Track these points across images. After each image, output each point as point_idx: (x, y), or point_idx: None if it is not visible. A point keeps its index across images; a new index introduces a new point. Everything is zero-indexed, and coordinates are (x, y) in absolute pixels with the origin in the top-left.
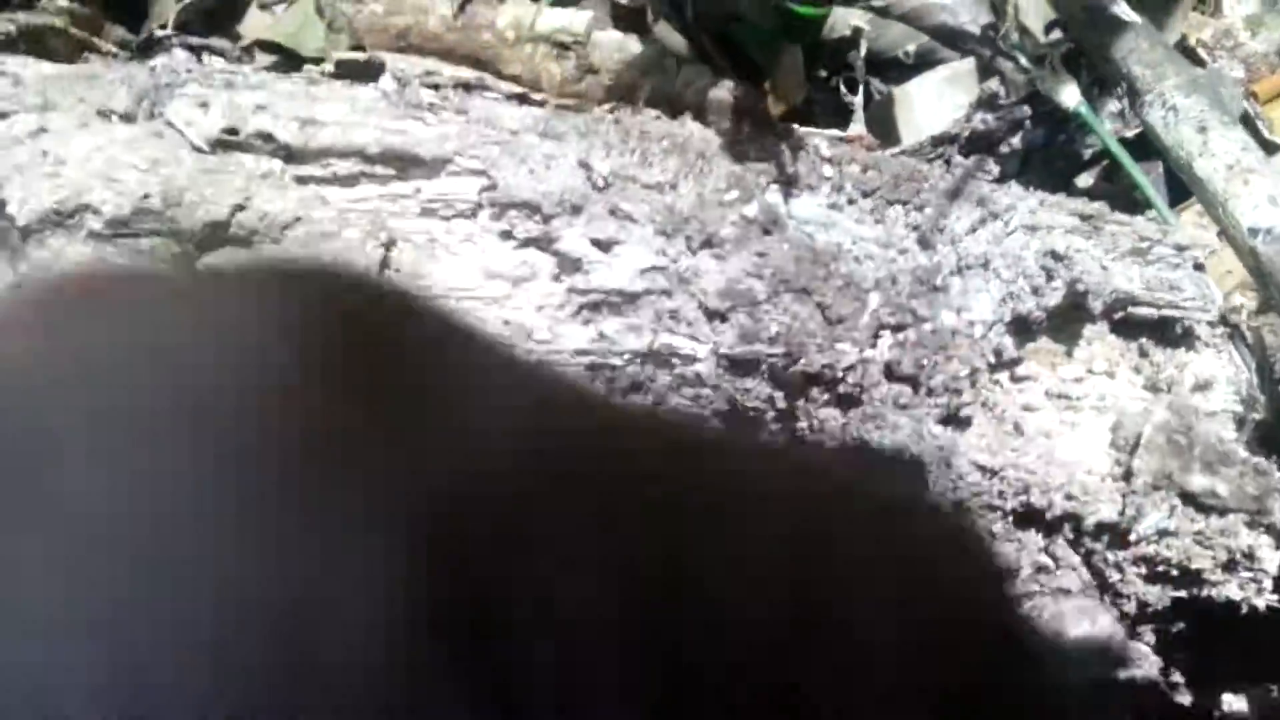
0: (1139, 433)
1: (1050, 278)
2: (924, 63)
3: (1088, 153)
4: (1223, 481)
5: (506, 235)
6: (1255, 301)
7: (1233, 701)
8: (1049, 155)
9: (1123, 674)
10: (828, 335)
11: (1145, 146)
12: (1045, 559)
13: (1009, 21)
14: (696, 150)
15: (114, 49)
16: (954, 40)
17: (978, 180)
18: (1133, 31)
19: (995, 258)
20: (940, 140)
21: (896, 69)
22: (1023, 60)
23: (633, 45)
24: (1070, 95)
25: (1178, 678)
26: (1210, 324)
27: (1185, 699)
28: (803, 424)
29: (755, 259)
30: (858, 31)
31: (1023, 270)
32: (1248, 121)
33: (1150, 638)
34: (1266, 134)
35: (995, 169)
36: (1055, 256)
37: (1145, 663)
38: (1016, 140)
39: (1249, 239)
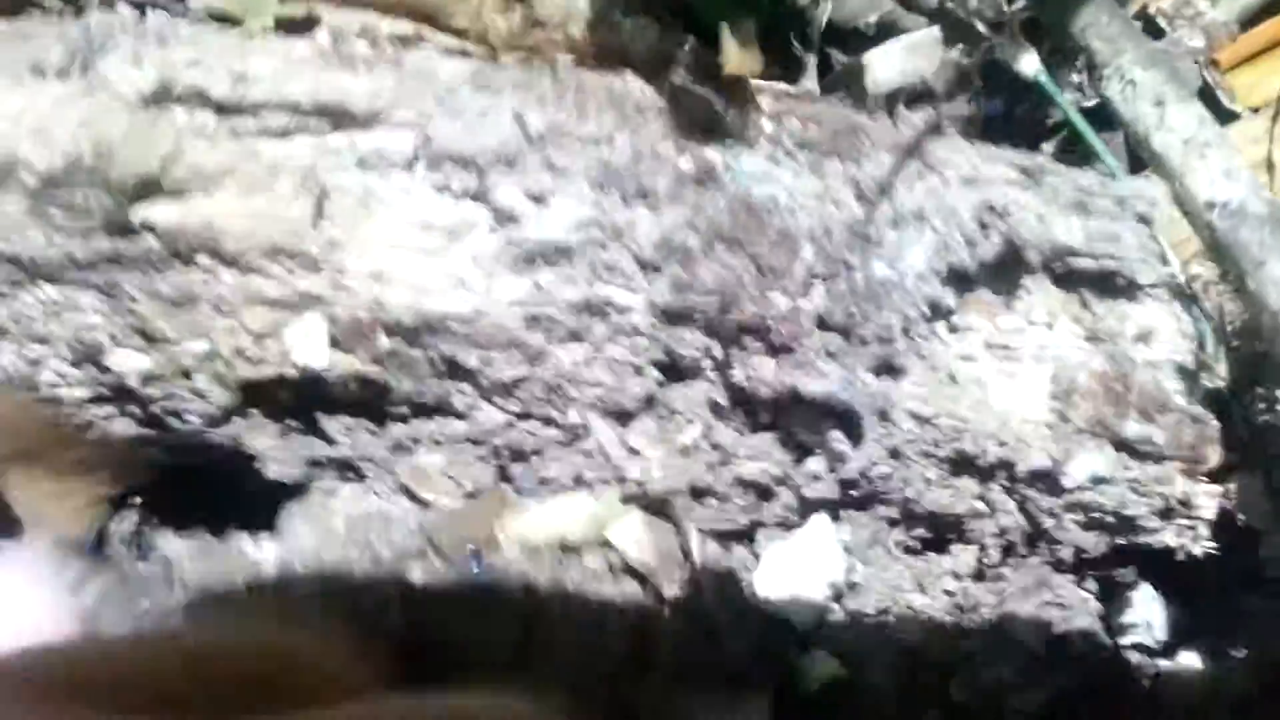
0: (1078, 375)
1: (985, 230)
2: (885, 34)
3: (1049, 122)
4: (1159, 429)
5: (442, 188)
6: (1210, 270)
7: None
8: (1009, 124)
9: (1061, 624)
10: (761, 286)
11: (1105, 117)
12: (981, 505)
13: None
14: (634, 104)
15: (58, 3)
16: (912, 7)
17: (920, 134)
18: (1092, 4)
19: (931, 211)
20: (890, 98)
21: (858, 40)
22: (982, 27)
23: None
24: (1029, 63)
25: (1126, 638)
26: (1151, 275)
27: (1132, 657)
28: (738, 373)
29: (690, 212)
30: (818, 1)
31: (958, 223)
32: (1208, 91)
33: (1092, 585)
34: (1227, 103)
35: (939, 122)
36: (992, 209)
37: (1084, 611)
38: (968, 103)
39: (1205, 213)
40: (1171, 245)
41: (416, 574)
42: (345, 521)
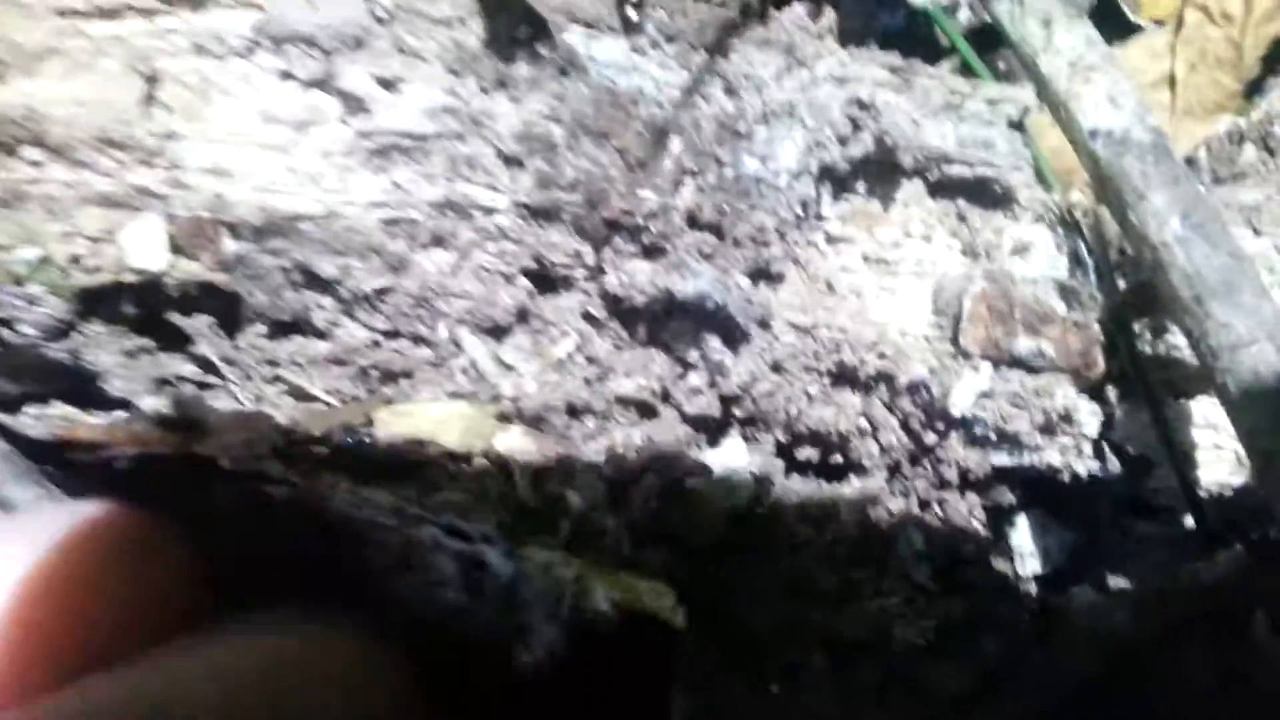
0: (959, 299)
1: (857, 127)
2: None
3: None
4: (1047, 340)
5: (286, 75)
6: (1091, 197)
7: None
8: (907, 40)
9: (949, 552)
10: (629, 181)
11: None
12: (863, 422)
13: None
14: None
15: None
16: None
17: (788, 28)
18: None
19: (801, 106)
20: None
21: None
22: None
23: None
24: None
25: (1016, 567)
26: (1026, 189)
27: (1022, 587)
28: (611, 278)
29: (552, 101)
30: None
31: (828, 119)
32: (1109, 3)
33: (980, 512)
34: (1131, 15)
35: (804, 15)
36: (862, 106)
37: (973, 538)
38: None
39: (1089, 141)
40: (1052, 171)
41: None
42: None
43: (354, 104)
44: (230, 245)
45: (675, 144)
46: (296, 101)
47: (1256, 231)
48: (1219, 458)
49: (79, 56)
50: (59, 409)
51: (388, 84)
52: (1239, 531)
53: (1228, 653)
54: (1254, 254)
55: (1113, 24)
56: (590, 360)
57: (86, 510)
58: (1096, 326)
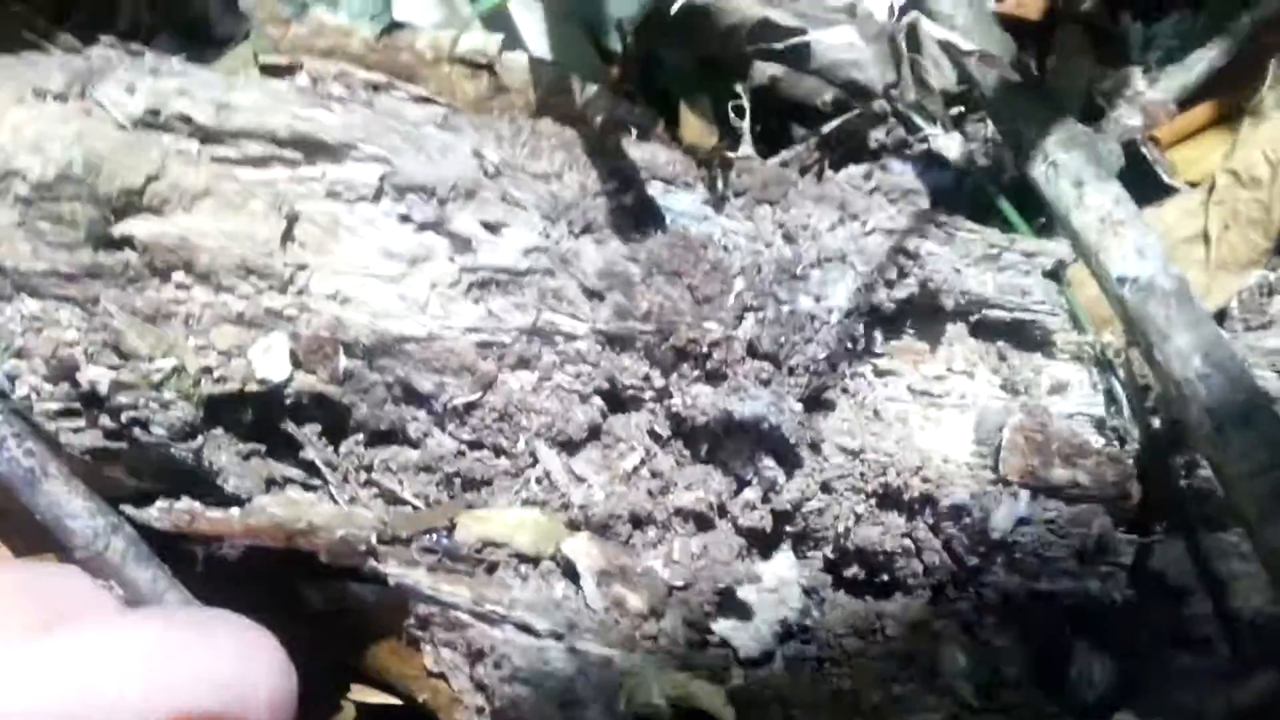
0: (999, 430)
1: (903, 273)
2: (841, 112)
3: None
4: (1083, 472)
5: (405, 219)
6: (1121, 338)
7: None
8: (956, 198)
9: (991, 673)
10: (696, 314)
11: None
12: (908, 542)
13: (904, 81)
14: (585, 149)
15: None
16: (859, 94)
17: (843, 186)
18: (1022, 91)
19: (852, 253)
20: (819, 142)
21: (816, 115)
22: (916, 118)
23: (543, 68)
24: (957, 152)
25: (1067, 692)
26: (1062, 333)
27: (1073, 713)
28: (676, 400)
29: (631, 244)
30: (775, 80)
31: (877, 265)
32: (1145, 167)
33: (1022, 634)
34: (1166, 178)
35: (858, 175)
36: (908, 254)
37: (1014, 659)
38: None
39: (1117, 287)
40: (1090, 317)
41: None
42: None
43: (461, 244)
44: (344, 362)
45: (739, 283)
46: (412, 240)
47: None
48: (1253, 586)
49: (231, 197)
50: (184, 504)
51: (491, 227)
52: (1274, 657)
53: None
54: (1277, 393)
55: (1149, 185)
56: (654, 474)
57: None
58: (1131, 461)
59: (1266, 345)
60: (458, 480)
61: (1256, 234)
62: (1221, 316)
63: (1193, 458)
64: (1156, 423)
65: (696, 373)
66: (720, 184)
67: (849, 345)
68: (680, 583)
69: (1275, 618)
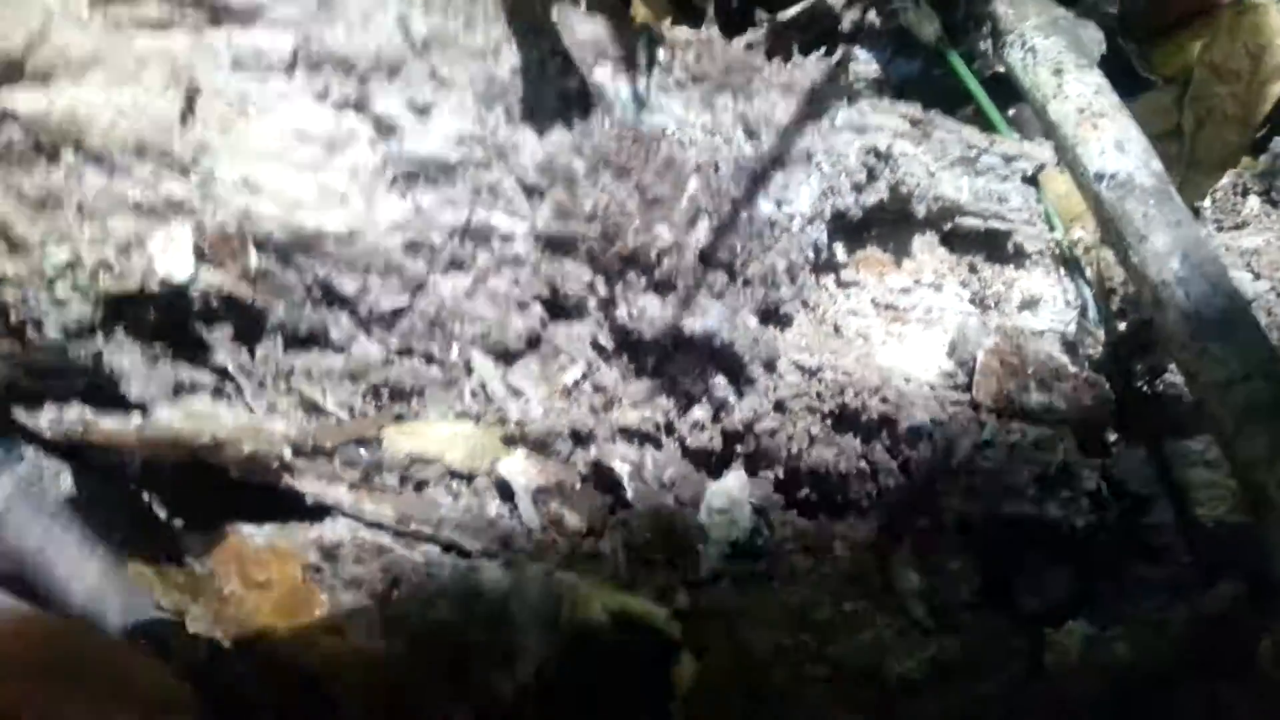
0: (974, 349)
1: (872, 176)
2: None
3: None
4: (1058, 396)
5: (321, 96)
6: (1091, 235)
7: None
8: (923, 87)
9: (944, 591)
10: (645, 217)
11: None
12: (863, 465)
13: None
14: (526, 21)
15: None
16: None
17: (811, 74)
18: None
19: (819, 152)
20: (781, 26)
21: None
22: None
23: None
24: (930, 31)
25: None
26: (1037, 242)
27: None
28: (622, 311)
29: (576, 135)
30: None
31: (845, 167)
32: (1120, 60)
33: (977, 552)
34: (1141, 72)
35: (827, 63)
36: (879, 155)
37: (967, 578)
38: (881, 64)
39: (1094, 184)
40: (1059, 212)
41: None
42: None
43: (384, 128)
44: (255, 258)
45: (693, 183)
46: (329, 122)
47: (1256, 275)
48: (1216, 495)
49: (124, 67)
50: (76, 410)
51: (419, 110)
52: (1237, 567)
53: (1229, 684)
54: (1252, 296)
55: (1124, 80)
56: (597, 389)
57: None
58: (1108, 385)
59: (1242, 245)
60: (385, 390)
61: (1233, 131)
62: (1195, 215)
63: (1158, 362)
64: (1122, 326)
65: (644, 281)
66: (676, 67)
67: (811, 255)
68: (622, 502)
69: (1240, 526)
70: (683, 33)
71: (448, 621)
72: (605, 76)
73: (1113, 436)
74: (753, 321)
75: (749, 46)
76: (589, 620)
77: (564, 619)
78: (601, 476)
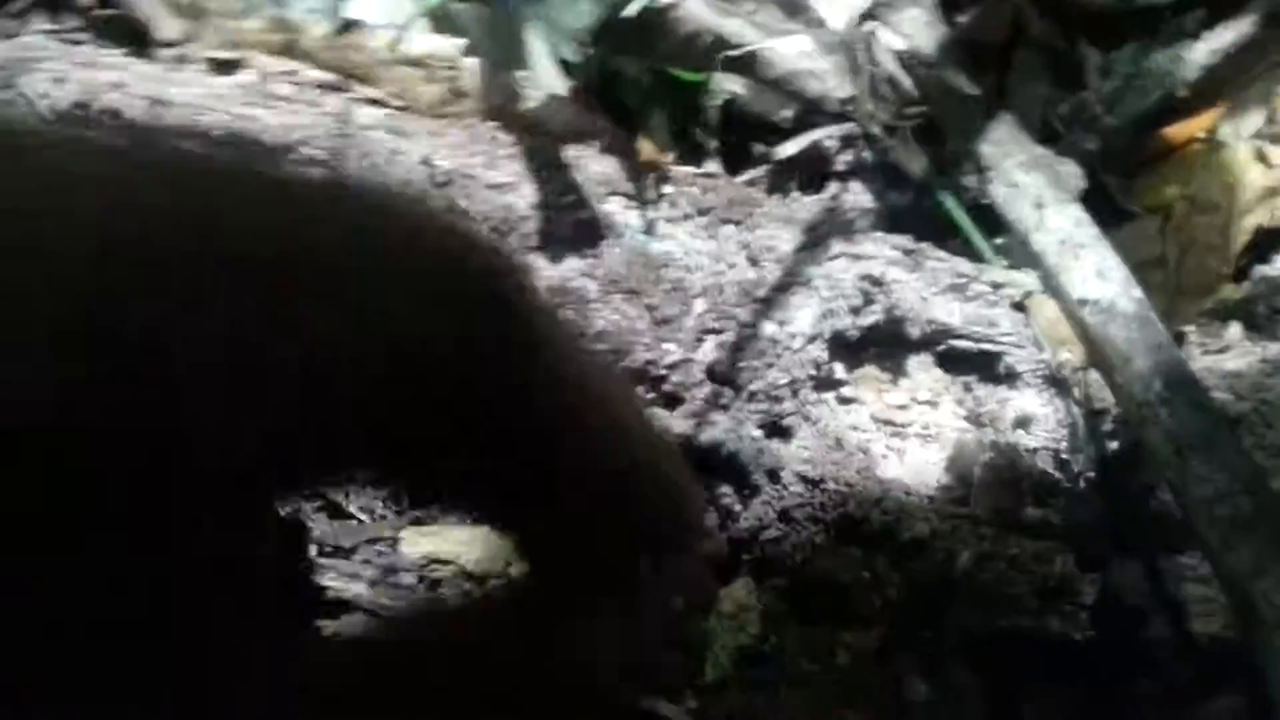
0: (974, 465)
1: (869, 300)
2: (801, 127)
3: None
4: (1054, 512)
5: None
6: (1080, 357)
7: None
8: (914, 217)
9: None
10: (654, 335)
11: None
12: (866, 575)
13: (861, 95)
14: (541, 160)
15: None
16: (818, 107)
17: (809, 208)
18: (981, 110)
19: (817, 277)
20: (780, 165)
21: (776, 133)
22: (875, 130)
23: (501, 75)
24: (918, 166)
25: None
26: (1028, 364)
27: None
28: None
29: (589, 260)
30: (733, 95)
31: (842, 291)
32: (1102, 192)
33: (980, 670)
34: (1121, 203)
35: (825, 199)
36: (874, 281)
37: (975, 695)
38: (872, 194)
39: (1078, 309)
40: (1047, 336)
41: None
42: None
43: None
44: None
45: (699, 304)
46: None
47: (1239, 397)
48: (1210, 610)
49: None
50: None
51: None
52: (1235, 682)
53: None
54: (1235, 417)
55: (1106, 211)
56: None
57: None
58: (1101, 501)
59: (1224, 368)
60: (407, 495)
61: (1214, 260)
62: (1180, 340)
63: (1149, 480)
64: (1112, 445)
65: (653, 395)
66: (683, 201)
67: (812, 372)
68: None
69: (1234, 641)
70: (687, 169)
71: None
72: (615, 208)
73: (1106, 553)
74: (757, 433)
75: (750, 183)
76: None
77: None
78: None
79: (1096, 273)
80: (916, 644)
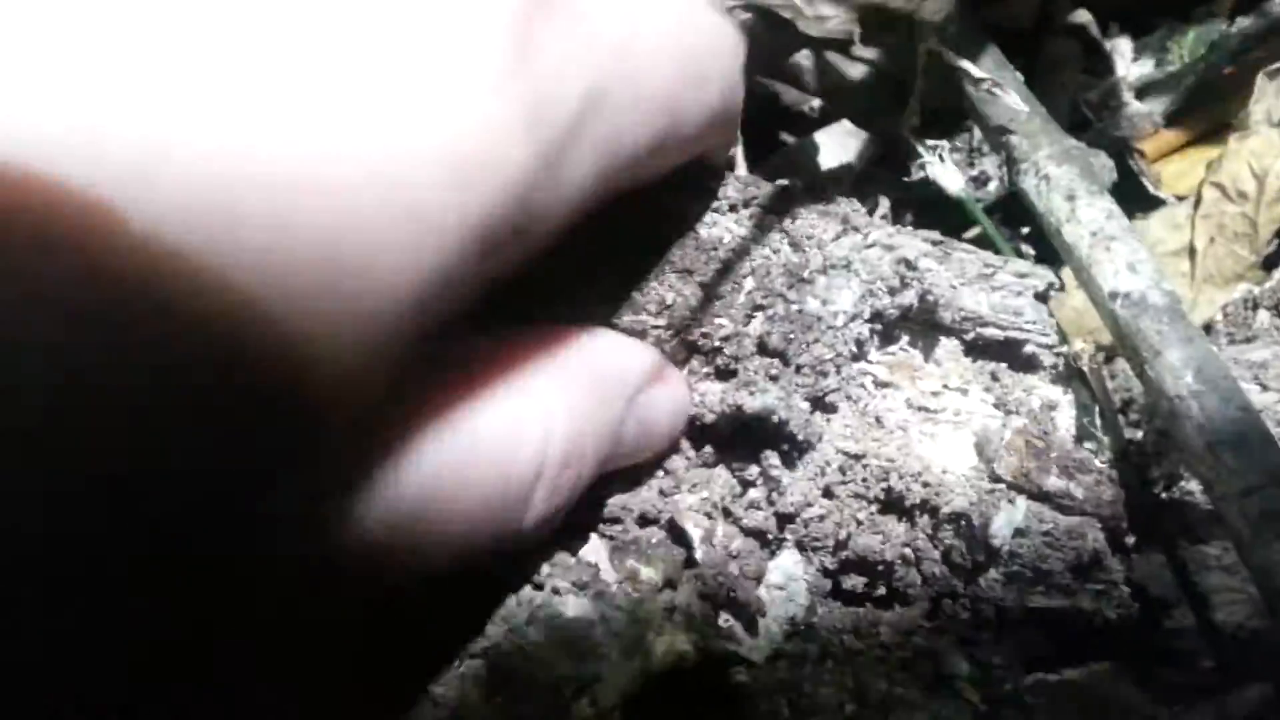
0: (1001, 437)
1: (904, 282)
2: (829, 116)
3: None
4: (1079, 486)
5: None
6: (1094, 347)
7: None
8: (940, 209)
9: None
10: (708, 311)
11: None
12: (907, 551)
13: (908, 111)
14: None
15: None
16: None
17: (843, 204)
18: (1012, 102)
19: (856, 261)
20: (829, 176)
21: (804, 122)
22: (915, 144)
23: None
24: (953, 182)
25: None
26: (1051, 354)
27: None
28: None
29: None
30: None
31: (879, 274)
32: (1132, 178)
33: (1013, 650)
34: (1152, 190)
35: (861, 207)
36: (908, 265)
37: (1012, 674)
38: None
39: (1109, 302)
40: (1073, 329)
41: None
42: None
43: None
44: None
45: (749, 283)
46: None
47: (1264, 387)
48: (1235, 600)
49: None
50: None
51: None
52: (1261, 671)
53: None
54: (1261, 407)
55: (1135, 197)
56: (666, 473)
57: None
58: (1124, 489)
59: (1251, 358)
60: None
61: (1242, 248)
62: (1207, 329)
63: (1173, 470)
64: (1135, 434)
65: (707, 369)
66: (730, 190)
67: (854, 349)
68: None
69: (1260, 631)
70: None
71: (530, 642)
72: (667, 198)
73: (1130, 540)
74: (805, 405)
75: (790, 184)
76: (673, 652)
77: (648, 649)
78: (675, 534)
79: (1128, 265)
80: (955, 626)
